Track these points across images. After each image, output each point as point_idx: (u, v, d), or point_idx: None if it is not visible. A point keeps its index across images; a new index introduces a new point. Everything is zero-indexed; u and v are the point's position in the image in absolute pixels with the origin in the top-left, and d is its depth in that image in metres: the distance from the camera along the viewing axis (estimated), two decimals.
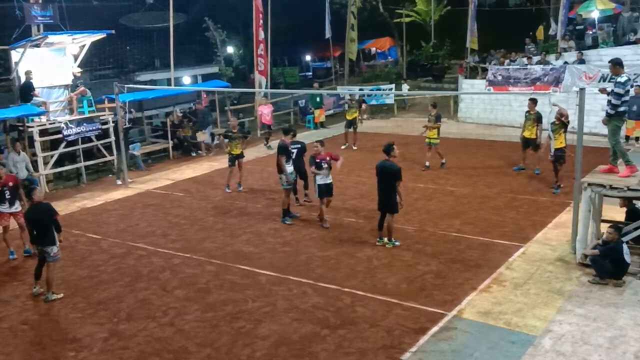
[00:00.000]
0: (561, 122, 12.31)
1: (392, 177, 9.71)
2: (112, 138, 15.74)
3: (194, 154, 18.75)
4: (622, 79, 8.80)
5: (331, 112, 24.52)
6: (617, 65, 8.99)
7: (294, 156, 11.95)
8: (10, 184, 10.27)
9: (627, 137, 16.56)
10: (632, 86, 9.42)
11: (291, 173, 11.65)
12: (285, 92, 25.09)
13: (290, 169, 11.62)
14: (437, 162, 15.40)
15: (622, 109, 8.89)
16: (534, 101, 14.03)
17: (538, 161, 14.26)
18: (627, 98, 8.98)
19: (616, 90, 8.80)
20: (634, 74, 17.52)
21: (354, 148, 17.69)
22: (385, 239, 10.05)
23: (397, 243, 10.01)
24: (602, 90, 9.63)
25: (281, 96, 23.96)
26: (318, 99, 22.34)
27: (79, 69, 16.67)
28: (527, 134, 14.19)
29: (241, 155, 14.21)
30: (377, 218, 11.44)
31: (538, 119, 13.87)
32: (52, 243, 8.49)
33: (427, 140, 15.26)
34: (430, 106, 15.45)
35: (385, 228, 10.01)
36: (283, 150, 11.59)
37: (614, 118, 8.96)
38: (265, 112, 19.21)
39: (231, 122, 14.82)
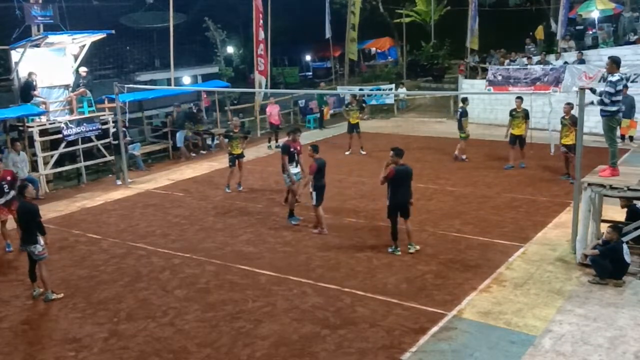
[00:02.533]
0: (571, 117, 12.58)
1: (411, 179, 9.71)
2: (110, 139, 15.67)
3: (193, 155, 18.75)
4: (614, 78, 8.76)
5: (331, 112, 24.52)
6: (614, 63, 8.91)
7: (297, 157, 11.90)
8: (8, 178, 10.52)
9: (622, 137, 16.54)
10: (624, 86, 9.36)
11: (296, 174, 11.59)
12: (285, 92, 25.09)
13: (296, 170, 11.58)
14: (471, 154, 16.25)
15: (614, 108, 8.85)
16: (521, 99, 14.89)
17: (523, 156, 14.97)
18: (619, 97, 8.91)
19: (607, 89, 8.76)
20: (634, 74, 17.53)
21: (363, 152, 17.56)
22: (402, 246, 9.85)
23: (417, 247, 9.83)
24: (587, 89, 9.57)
25: (281, 96, 23.94)
26: (325, 98, 23.02)
27: (85, 69, 16.68)
28: (516, 132, 14.89)
29: (241, 155, 14.25)
30: (377, 218, 11.48)
31: (526, 115, 14.75)
32: (34, 242, 8.49)
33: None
34: (462, 101, 16.30)
35: (407, 234, 9.78)
36: (284, 150, 11.59)
37: (607, 118, 8.94)
38: (273, 112, 19.19)
39: (233, 122, 14.80)
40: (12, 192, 10.41)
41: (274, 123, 19.08)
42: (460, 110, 16.00)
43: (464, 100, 16.20)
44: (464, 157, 16.08)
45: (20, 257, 10.30)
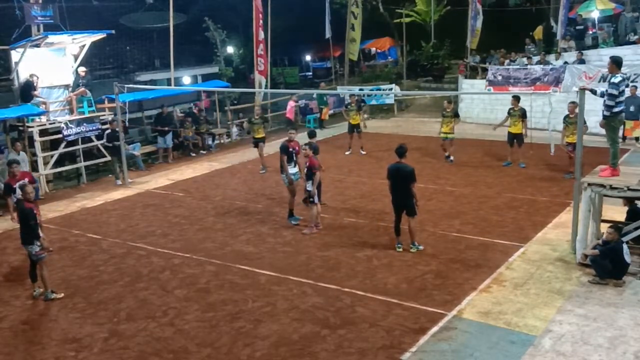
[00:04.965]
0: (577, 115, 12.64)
1: (407, 179, 9.53)
2: (104, 140, 15.63)
3: (193, 154, 18.75)
4: (616, 79, 8.72)
5: (331, 112, 24.53)
6: (615, 63, 8.87)
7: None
8: (26, 179, 10.34)
9: (624, 137, 16.55)
10: (627, 86, 9.29)
11: (295, 173, 11.59)
12: (285, 92, 25.10)
13: (294, 170, 11.58)
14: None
15: (617, 109, 8.82)
16: (516, 98, 15.04)
17: (522, 155, 15.00)
18: (622, 98, 8.89)
19: (610, 91, 8.73)
20: (634, 74, 17.52)
21: (362, 152, 17.61)
22: (404, 244, 9.86)
23: (420, 247, 9.80)
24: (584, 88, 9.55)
25: (281, 96, 23.96)
26: (325, 98, 23.19)
27: (84, 69, 16.68)
28: (513, 130, 15.06)
29: (262, 140, 16.05)
30: (377, 217, 11.50)
31: (523, 114, 14.84)
32: (30, 242, 8.48)
33: (443, 135, 16.03)
34: (446, 102, 16.26)
35: (409, 232, 9.78)
36: (283, 150, 11.59)
37: (610, 119, 8.93)
38: (289, 107, 20.22)
39: (255, 110, 16.72)
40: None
41: (289, 118, 20.25)
42: (456, 110, 16.43)
43: (452, 100, 16.49)
44: (451, 157, 16.17)
45: (20, 257, 10.31)
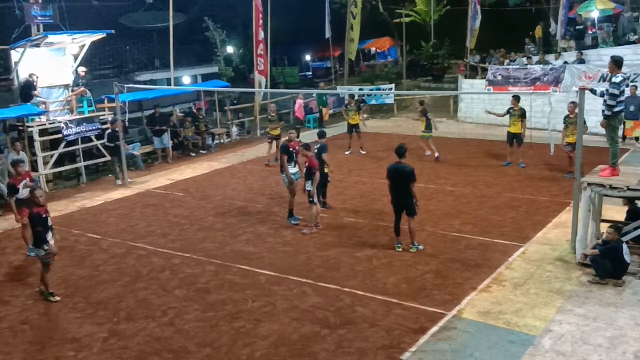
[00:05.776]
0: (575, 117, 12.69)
1: (407, 179, 9.54)
2: (105, 140, 15.65)
3: (193, 155, 18.76)
4: (618, 79, 8.75)
5: (331, 112, 24.53)
6: (616, 63, 8.88)
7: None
8: (28, 179, 10.39)
9: (624, 137, 16.56)
10: (627, 86, 9.29)
11: (295, 173, 11.59)
12: (285, 92, 25.09)
13: (294, 170, 11.58)
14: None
15: (618, 109, 8.84)
16: (517, 98, 15.07)
17: (522, 155, 15.06)
18: (622, 98, 8.92)
19: (611, 90, 8.74)
20: (634, 74, 17.53)
21: (362, 152, 17.66)
22: (404, 244, 9.87)
23: (420, 247, 9.81)
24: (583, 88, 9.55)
25: (281, 96, 23.96)
26: (325, 98, 23.23)
27: (84, 69, 16.68)
28: (513, 130, 15.14)
29: (279, 137, 16.34)
30: (377, 218, 11.51)
31: (522, 114, 14.90)
32: (38, 245, 8.50)
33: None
34: (418, 104, 16.95)
35: (409, 232, 9.79)
36: (284, 150, 11.59)
37: (611, 119, 8.94)
38: (300, 105, 20.14)
39: (271, 107, 17.37)
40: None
41: (298, 117, 20.21)
42: (425, 109, 16.57)
43: (423, 102, 16.89)
44: (428, 153, 16.38)
45: (20, 257, 10.32)
